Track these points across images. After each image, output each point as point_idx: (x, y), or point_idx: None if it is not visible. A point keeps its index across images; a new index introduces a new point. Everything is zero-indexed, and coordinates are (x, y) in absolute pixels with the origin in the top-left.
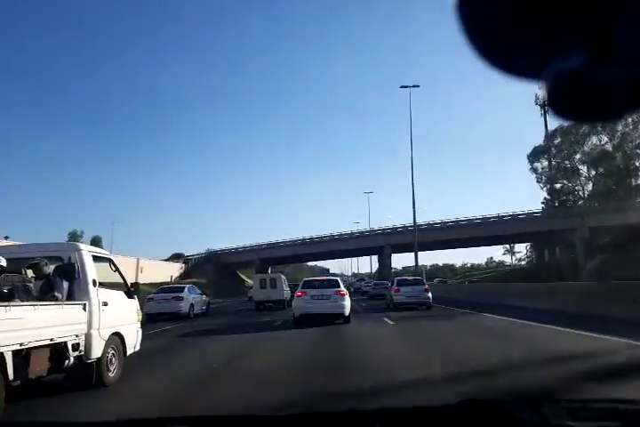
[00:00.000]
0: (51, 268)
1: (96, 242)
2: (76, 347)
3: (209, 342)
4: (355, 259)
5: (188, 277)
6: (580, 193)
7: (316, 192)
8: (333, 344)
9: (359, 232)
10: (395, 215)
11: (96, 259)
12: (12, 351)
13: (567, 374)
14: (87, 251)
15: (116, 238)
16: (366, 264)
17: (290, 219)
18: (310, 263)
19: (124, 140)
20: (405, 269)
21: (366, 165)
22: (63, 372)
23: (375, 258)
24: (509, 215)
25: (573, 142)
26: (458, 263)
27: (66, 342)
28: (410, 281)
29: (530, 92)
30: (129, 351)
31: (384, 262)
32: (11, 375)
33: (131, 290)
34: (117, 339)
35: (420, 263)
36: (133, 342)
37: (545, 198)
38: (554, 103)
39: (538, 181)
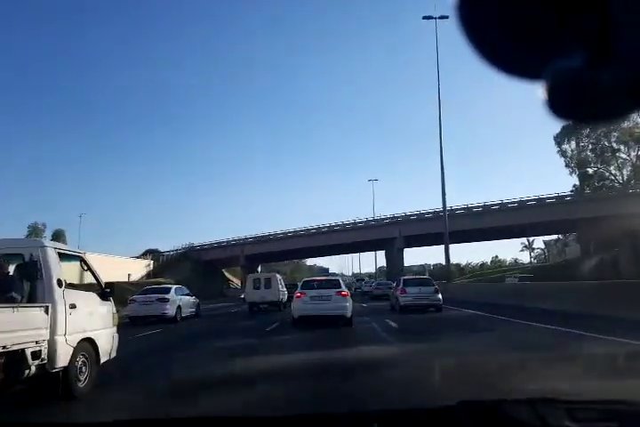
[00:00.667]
0: (11, 267)
1: (58, 236)
2: (37, 355)
3: (185, 351)
4: (357, 257)
5: (158, 275)
6: (618, 177)
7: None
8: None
9: (363, 221)
10: (404, 206)
11: (64, 257)
12: None
13: None
14: (52, 248)
15: (84, 233)
16: (369, 263)
17: (284, 213)
18: (309, 263)
19: (98, 129)
20: (409, 269)
21: (370, 152)
22: (23, 383)
23: (382, 254)
24: (552, 197)
25: None
26: (459, 262)
27: (24, 350)
28: (418, 281)
29: None
30: (103, 359)
31: (393, 258)
32: None
33: (106, 291)
34: (89, 345)
35: (421, 262)
36: (108, 348)
37: (574, 186)
38: (553, 103)
39: (567, 166)
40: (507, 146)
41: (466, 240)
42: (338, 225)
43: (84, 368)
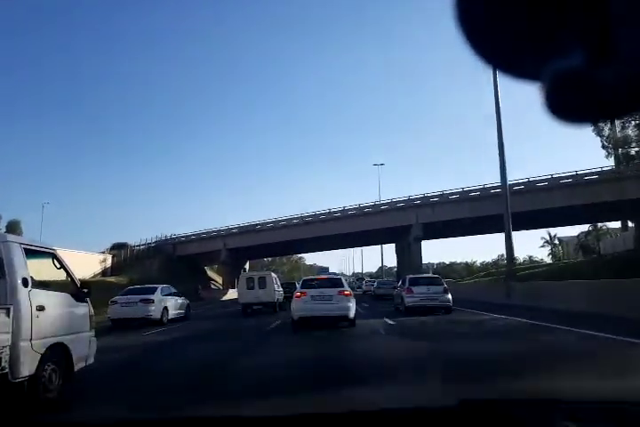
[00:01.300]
0: None
1: (13, 228)
2: None
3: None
4: (358, 256)
5: (119, 273)
6: None
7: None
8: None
9: (371, 205)
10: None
11: (31, 253)
12: None
13: None
14: (17, 243)
15: (45, 225)
16: (370, 264)
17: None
18: (309, 262)
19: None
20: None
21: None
22: None
23: (391, 249)
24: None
25: None
26: (456, 261)
27: None
28: (425, 279)
29: None
30: (78, 366)
31: (407, 252)
32: None
33: (82, 291)
34: (60, 352)
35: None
36: (84, 354)
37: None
38: (552, 103)
39: (604, 147)
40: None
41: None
42: (339, 211)
43: (53, 377)
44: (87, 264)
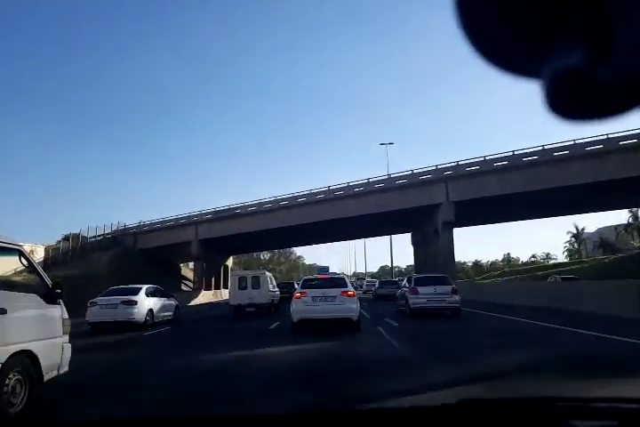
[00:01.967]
0: None
1: None
2: None
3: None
4: (360, 254)
5: (56, 267)
6: None
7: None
8: None
9: (383, 179)
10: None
11: None
12: None
13: None
14: None
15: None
16: (372, 263)
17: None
18: (308, 262)
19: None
20: (412, 268)
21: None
22: None
23: (403, 240)
24: None
25: None
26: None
27: None
28: (432, 279)
29: None
30: (48, 375)
31: (432, 244)
32: None
33: (54, 292)
34: (26, 360)
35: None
36: (55, 362)
37: None
38: (552, 102)
39: None
40: None
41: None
42: (342, 189)
43: (18, 388)
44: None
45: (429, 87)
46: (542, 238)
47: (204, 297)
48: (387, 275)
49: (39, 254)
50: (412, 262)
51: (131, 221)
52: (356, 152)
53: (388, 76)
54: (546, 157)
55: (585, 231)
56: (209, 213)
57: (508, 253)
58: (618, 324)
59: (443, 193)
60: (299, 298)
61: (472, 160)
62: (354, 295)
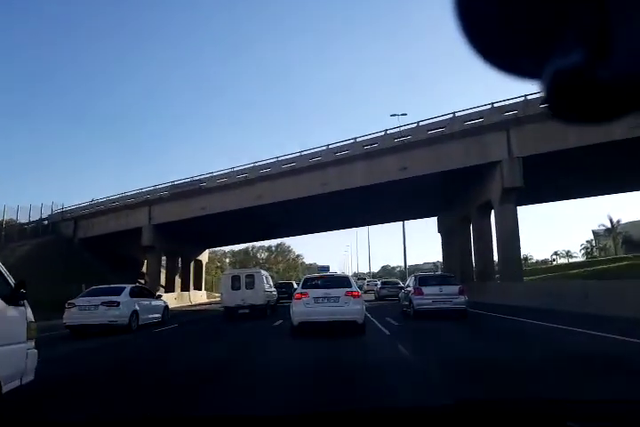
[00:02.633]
0: None
1: None
2: None
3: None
4: (358, 254)
5: None
6: None
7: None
8: None
9: (410, 129)
10: None
11: None
12: None
13: None
14: None
15: None
16: (373, 263)
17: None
18: (308, 262)
19: None
20: (417, 268)
21: None
22: None
23: (411, 233)
24: None
25: None
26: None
27: None
28: (437, 279)
29: None
30: (9, 386)
31: (465, 229)
32: None
33: (18, 292)
34: None
35: (427, 261)
36: (17, 370)
37: None
38: (552, 103)
39: None
40: None
41: None
42: (346, 147)
43: None
44: None
45: None
46: (554, 234)
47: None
48: (388, 275)
49: None
50: (414, 262)
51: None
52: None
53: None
54: None
55: (620, 223)
56: (165, 189)
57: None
58: None
59: (501, 146)
60: (299, 299)
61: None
62: (359, 296)
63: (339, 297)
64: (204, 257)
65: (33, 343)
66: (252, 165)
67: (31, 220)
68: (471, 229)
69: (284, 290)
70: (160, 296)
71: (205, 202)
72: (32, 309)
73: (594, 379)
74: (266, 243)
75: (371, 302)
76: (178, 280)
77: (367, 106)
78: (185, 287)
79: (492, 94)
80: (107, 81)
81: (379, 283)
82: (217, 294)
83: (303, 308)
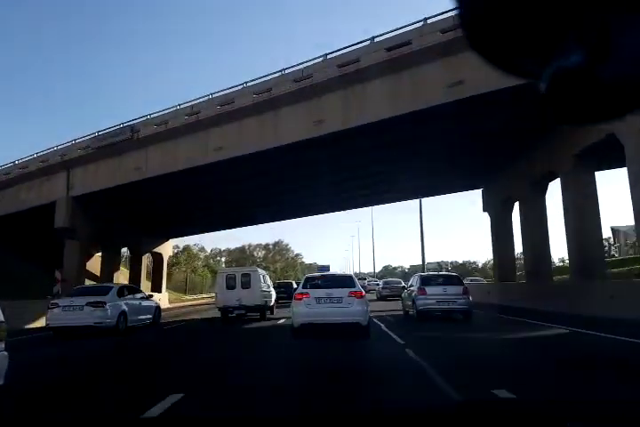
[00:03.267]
0: None
1: None
2: None
3: None
4: (359, 253)
5: None
6: None
7: None
8: None
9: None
10: None
11: None
12: None
13: None
14: None
15: None
16: (376, 261)
17: None
18: (307, 261)
19: None
20: (420, 268)
21: None
22: None
23: (410, 229)
24: None
25: None
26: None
27: None
28: (441, 279)
29: None
30: None
31: (536, 202)
32: None
33: None
34: None
35: (430, 260)
36: None
37: None
38: (553, 103)
39: None
40: None
41: None
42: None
43: None
44: None
45: None
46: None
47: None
48: (390, 275)
49: None
50: (417, 262)
51: None
52: None
53: None
54: None
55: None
56: (86, 144)
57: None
58: None
59: None
60: (300, 300)
61: None
62: (363, 296)
63: (342, 297)
64: (166, 250)
65: (3, 345)
66: (206, 97)
67: None
68: (519, 210)
69: (283, 290)
70: (151, 296)
71: (141, 159)
72: None
73: None
74: (263, 241)
75: (372, 301)
76: (121, 278)
77: None
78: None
79: None
80: None
81: (380, 282)
82: (200, 296)
83: (305, 309)
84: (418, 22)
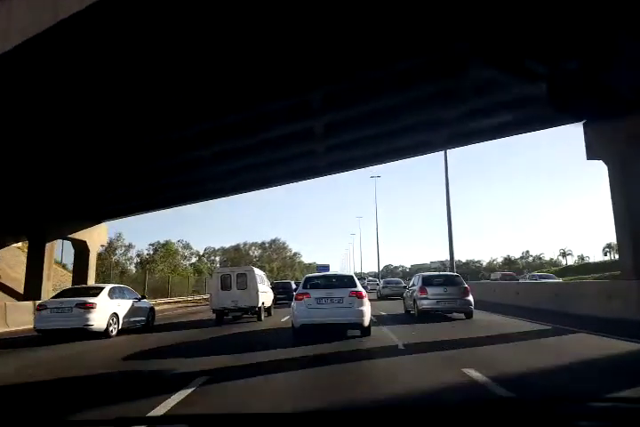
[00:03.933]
0: None
1: None
2: None
3: None
4: (358, 252)
5: None
6: None
7: None
8: None
9: None
10: None
11: None
12: None
13: None
14: None
15: None
16: (372, 263)
17: None
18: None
19: None
20: (423, 267)
21: None
22: None
23: (428, 225)
24: None
25: None
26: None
27: None
28: (442, 278)
29: None
30: None
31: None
32: None
33: None
34: None
35: (420, 261)
36: None
37: None
38: (555, 103)
39: None
40: None
41: None
42: None
43: None
44: None
45: None
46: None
47: None
48: (391, 274)
49: None
50: (420, 262)
51: None
52: None
53: None
54: None
55: None
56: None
57: (527, 251)
58: None
59: None
60: (300, 300)
61: None
62: (364, 296)
63: (342, 298)
64: (95, 237)
65: None
66: None
67: None
68: None
69: (283, 290)
70: (144, 297)
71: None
72: None
73: None
74: (259, 239)
75: (372, 300)
76: (11, 274)
77: None
78: (35, 287)
79: None
80: None
81: (380, 282)
82: (179, 298)
83: (305, 309)
84: None
